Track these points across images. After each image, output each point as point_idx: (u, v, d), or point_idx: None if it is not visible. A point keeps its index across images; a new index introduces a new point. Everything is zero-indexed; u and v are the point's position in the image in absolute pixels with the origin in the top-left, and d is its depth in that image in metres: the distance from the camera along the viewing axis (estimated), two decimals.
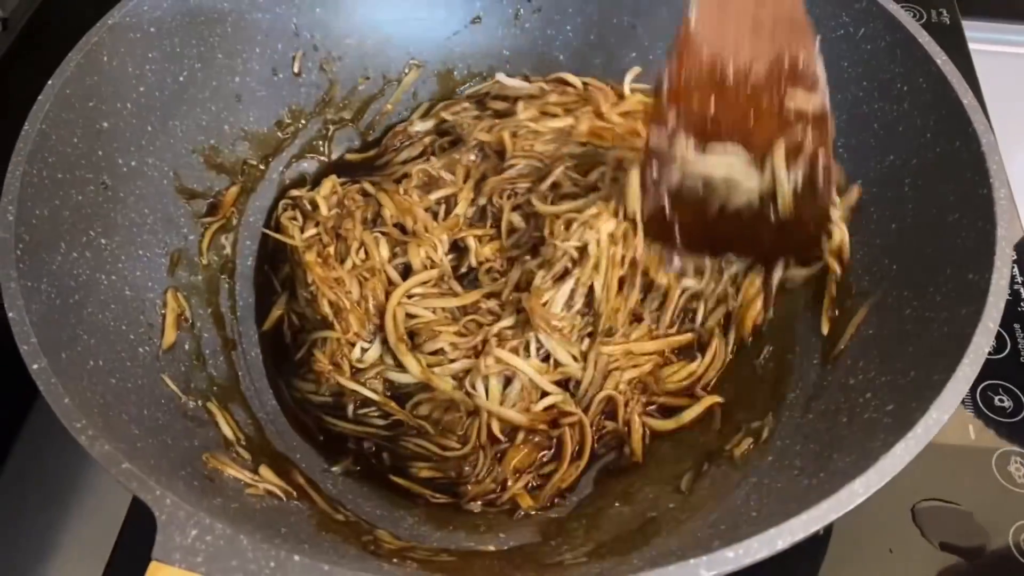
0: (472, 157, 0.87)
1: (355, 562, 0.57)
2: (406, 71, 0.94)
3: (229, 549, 0.48)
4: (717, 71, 0.62)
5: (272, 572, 0.47)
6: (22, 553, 0.76)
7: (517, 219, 0.82)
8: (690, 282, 0.76)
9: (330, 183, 0.88)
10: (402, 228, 0.83)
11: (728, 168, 0.63)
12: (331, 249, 0.82)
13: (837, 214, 0.71)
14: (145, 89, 0.76)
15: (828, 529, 0.70)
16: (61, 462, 0.80)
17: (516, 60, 0.94)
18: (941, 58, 0.71)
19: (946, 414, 0.53)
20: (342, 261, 0.81)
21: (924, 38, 0.72)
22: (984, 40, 1.12)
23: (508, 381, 0.74)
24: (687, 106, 0.63)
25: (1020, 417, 0.76)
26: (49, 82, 0.69)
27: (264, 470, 0.66)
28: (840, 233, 0.75)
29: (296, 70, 0.89)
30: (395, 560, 0.60)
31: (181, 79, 0.80)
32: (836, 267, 0.72)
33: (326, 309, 0.78)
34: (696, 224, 0.66)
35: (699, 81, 0.62)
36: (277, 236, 0.84)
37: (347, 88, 0.92)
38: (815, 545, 0.70)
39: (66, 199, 0.68)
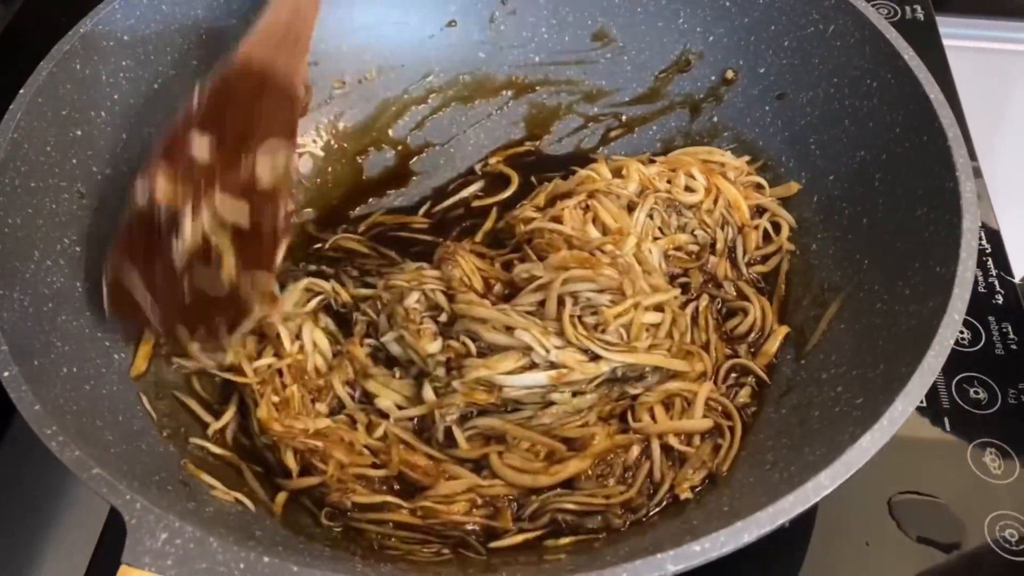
0: None
1: (327, 563, 0.57)
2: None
3: (199, 551, 0.48)
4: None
5: (242, 573, 0.47)
6: (1, 560, 0.77)
7: None
8: None
9: (297, 293, 0.76)
10: None
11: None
12: (294, 390, 0.70)
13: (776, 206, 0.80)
14: (119, 97, 0.77)
15: (810, 523, 0.70)
16: (43, 469, 0.80)
17: (492, 63, 0.95)
18: (908, 53, 0.71)
19: (911, 405, 0.54)
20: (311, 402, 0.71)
21: (892, 34, 0.73)
22: (958, 36, 1.12)
23: None
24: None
25: (995, 409, 0.76)
26: (21, 91, 0.69)
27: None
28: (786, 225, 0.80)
29: None
30: (371, 560, 0.60)
31: (155, 86, 0.80)
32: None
33: (291, 462, 0.67)
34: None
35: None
36: (227, 375, 0.71)
37: (323, 93, 0.92)
38: (796, 539, 0.70)
39: (40, 208, 0.68)
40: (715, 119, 0.88)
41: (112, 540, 0.71)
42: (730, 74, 0.87)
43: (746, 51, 0.85)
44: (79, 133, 0.73)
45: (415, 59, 0.95)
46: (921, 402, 0.73)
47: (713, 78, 0.88)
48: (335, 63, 0.92)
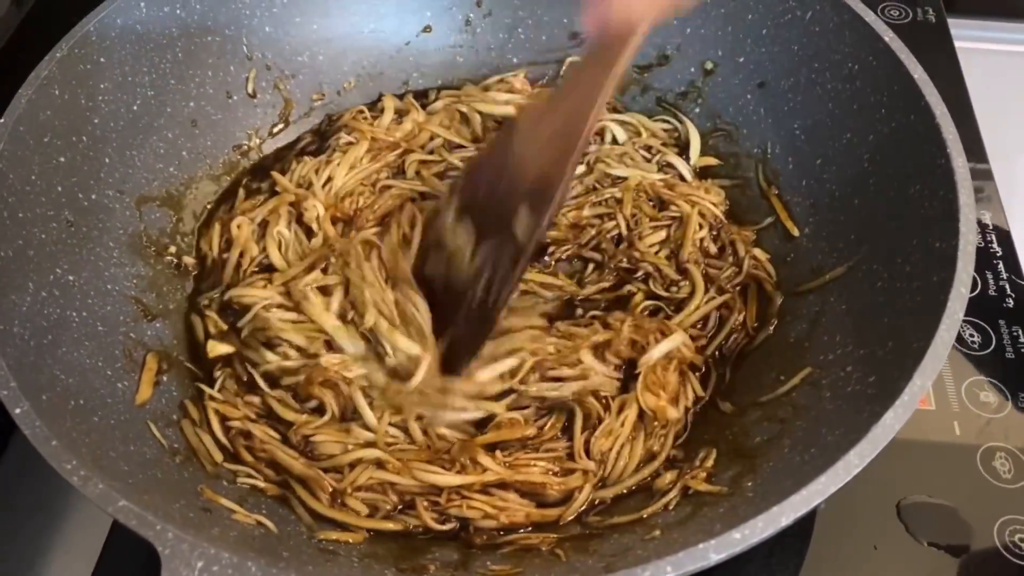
0: None
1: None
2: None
3: None
4: (506, 164, 0.68)
5: None
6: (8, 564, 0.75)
7: None
8: None
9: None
10: None
11: (459, 242, 0.70)
12: None
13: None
14: (99, 120, 0.75)
15: (810, 525, 0.70)
16: (43, 484, 0.77)
17: (470, 66, 0.95)
18: (889, 35, 0.72)
19: (929, 380, 0.54)
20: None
21: (870, 16, 0.74)
22: (969, 38, 1.11)
23: None
24: (474, 180, 0.71)
25: (1005, 413, 0.76)
26: (1, 120, 0.67)
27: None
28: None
29: (250, 91, 0.88)
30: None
31: (135, 108, 0.79)
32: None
33: None
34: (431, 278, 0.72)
35: (492, 166, 0.69)
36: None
37: (303, 106, 0.91)
38: (799, 541, 0.70)
39: (30, 238, 0.66)
40: (697, 111, 0.89)
41: (114, 556, 0.69)
42: (709, 65, 0.88)
43: (724, 42, 0.86)
44: (62, 160, 0.71)
45: (393, 67, 0.94)
46: (931, 405, 0.75)
47: (693, 70, 0.89)
48: (313, 75, 0.91)
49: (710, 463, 0.66)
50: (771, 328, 0.76)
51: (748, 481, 0.62)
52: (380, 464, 0.66)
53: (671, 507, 0.64)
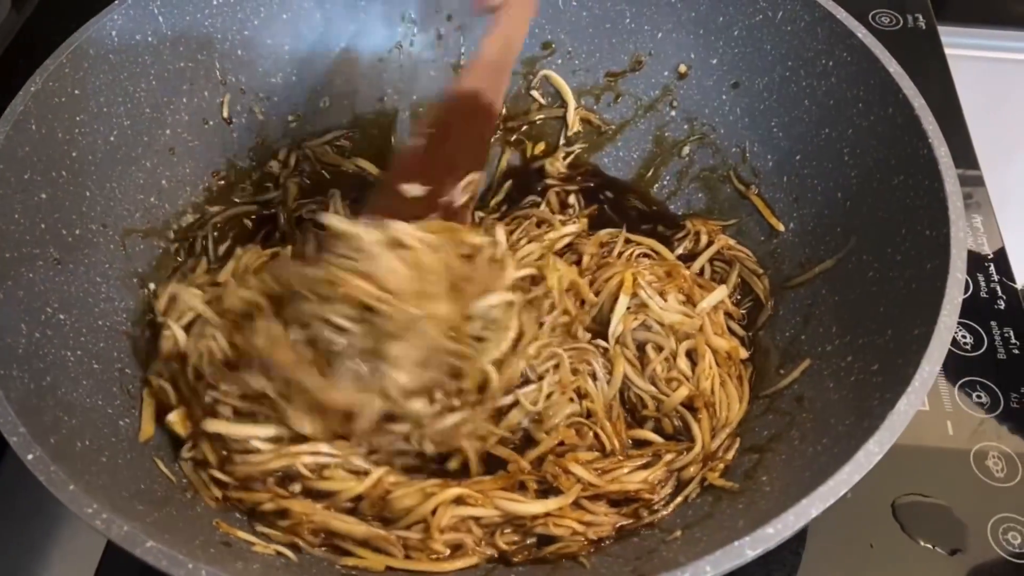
0: None
1: None
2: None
3: None
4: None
5: None
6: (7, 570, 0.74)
7: None
8: None
9: None
10: None
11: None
12: None
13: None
14: (77, 154, 0.73)
15: (806, 524, 0.71)
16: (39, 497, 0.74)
17: (445, 80, 0.94)
18: (861, 31, 0.74)
19: (937, 365, 0.56)
20: None
21: (841, 14, 0.76)
22: (960, 45, 1.12)
23: None
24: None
25: (997, 413, 0.78)
26: None
27: None
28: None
29: (226, 115, 0.87)
30: None
31: (112, 139, 0.77)
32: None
33: None
34: None
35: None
36: None
37: (279, 128, 0.90)
38: (794, 540, 0.70)
39: (18, 279, 0.65)
40: (673, 113, 0.90)
41: (113, 562, 0.69)
42: (683, 68, 0.89)
43: (696, 44, 0.87)
44: (44, 196, 0.70)
45: (367, 84, 0.94)
46: (924, 406, 0.77)
47: (667, 74, 0.90)
48: (287, 96, 0.90)
49: (731, 455, 0.67)
50: (770, 308, 0.78)
51: (762, 475, 0.63)
52: (460, 500, 0.63)
53: (691, 499, 0.64)
